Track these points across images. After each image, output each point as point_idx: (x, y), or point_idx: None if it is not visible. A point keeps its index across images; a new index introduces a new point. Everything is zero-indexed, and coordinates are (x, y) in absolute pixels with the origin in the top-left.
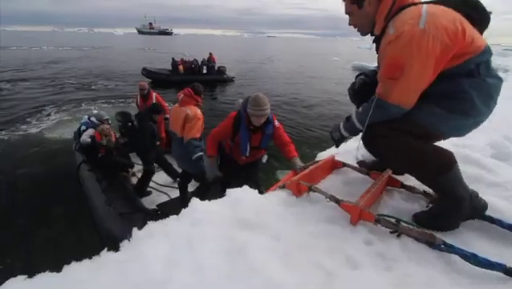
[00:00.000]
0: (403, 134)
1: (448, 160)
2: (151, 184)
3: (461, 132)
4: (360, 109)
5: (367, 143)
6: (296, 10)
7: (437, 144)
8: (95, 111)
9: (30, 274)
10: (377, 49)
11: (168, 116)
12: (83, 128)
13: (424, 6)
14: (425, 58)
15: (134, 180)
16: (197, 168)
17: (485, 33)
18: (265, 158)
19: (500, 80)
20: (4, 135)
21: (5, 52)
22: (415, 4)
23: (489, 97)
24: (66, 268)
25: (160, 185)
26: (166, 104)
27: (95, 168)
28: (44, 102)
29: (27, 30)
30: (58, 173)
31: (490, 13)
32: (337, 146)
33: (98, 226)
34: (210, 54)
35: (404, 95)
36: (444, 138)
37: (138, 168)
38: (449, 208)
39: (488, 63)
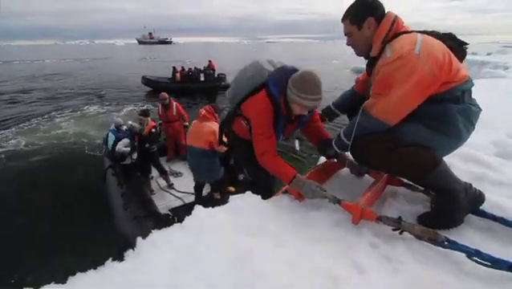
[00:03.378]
0: (388, 145)
1: (431, 158)
2: (168, 189)
3: (444, 152)
4: (347, 126)
5: (353, 153)
6: (294, 16)
7: None
8: (117, 119)
9: (36, 287)
10: (370, 70)
11: (187, 123)
12: (112, 136)
13: (418, 34)
14: (415, 82)
15: (154, 184)
16: (215, 175)
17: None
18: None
19: (480, 109)
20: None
21: (9, 66)
22: (408, 32)
23: (470, 123)
24: (70, 280)
25: (177, 190)
26: (184, 112)
27: (119, 173)
28: (48, 111)
29: (31, 44)
30: (86, 176)
31: (467, 46)
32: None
33: (115, 228)
34: (210, 61)
35: (385, 110)
36: None
37: (156, 173)
38: (447, 204)
39: (470, 92)
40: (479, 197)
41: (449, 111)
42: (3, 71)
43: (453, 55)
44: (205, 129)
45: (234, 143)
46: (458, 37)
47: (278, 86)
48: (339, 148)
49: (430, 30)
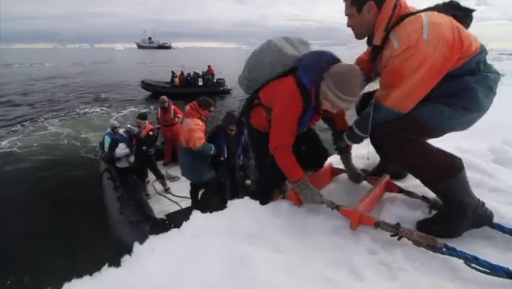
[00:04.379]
0: (408, 134)
1: (454, 165)
2: (164, 193)
3: (464, 127)
4: (359, 117)
5: (375, 145)
6: (293, 22)
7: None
8: (113, 122)
9: None
10: (374, 56)
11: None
12: (108, 139)
13: (423, 15)
14: (427, 70)
15: (150, 188)
16: (196, 177)
17: (479, 39)
18: None
19: (498, 74)
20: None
21: (8, 69)
22: (413, 13)
23: (490, 90)
24: (66, 286)
25: (174, 194)
26: (182, 114)
27: (115, 176)
28: (42, 113)
29: (31, 47)
30: (82, 179)
31: (473, 10)
32: (342, 152)
33: (111, 233)
34: (209, 66)
35: (400, 101)
36: (446, 133)
37: (153, 177)
38: (453, 215)
39: (485, 61)
40: (487, 218)
41: (467, 85)
42: (2, 74)
43: (462, 28)
44: (185, 127)
45: (253, 138)
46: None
47: (311, 75)
48: (350, 140)
49: (433, 5)
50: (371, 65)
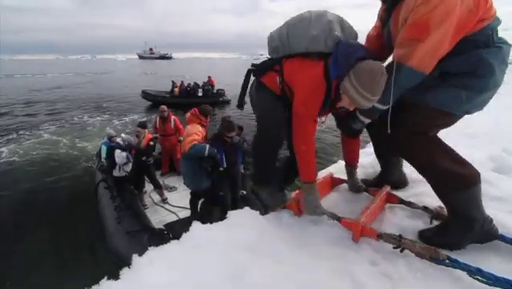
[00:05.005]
0: (423, 126)
1: (472, 177)
2: (162, 203)
3: (480, 107)
4: None
5: (392, 144)
6: None
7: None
8: (110, 131)
9: None
10: (387, 16)
11: (181, 138)
12: (104, 148)
13: None
14: (452, 22)
15: (147, 199)
16: (193, 183)
17: None
18: None
19: (510, 45)
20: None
21: (10, 80)
22: None
23: (505, 64)
24: None
25: (171, 205)
26: (182, 127)
27: (111, 186)
28: (41, 122)
29: (33, 58)
30: (78, 189)
31: None
32: (356, 136)
33: (107, 243)
34: (209, 77)
35: (425, 58)
36: (461, 118)
37: (150, 188)
38: (459, 227)
39: (497, 31)
40: (493, 235)
41: (483, 60)
42: (4, 85)
43: None
44: (185, 133)
45: (260, 93)
46: None
47: (338, 68)
48: (367, 115)
49: None
50: (381, 41)
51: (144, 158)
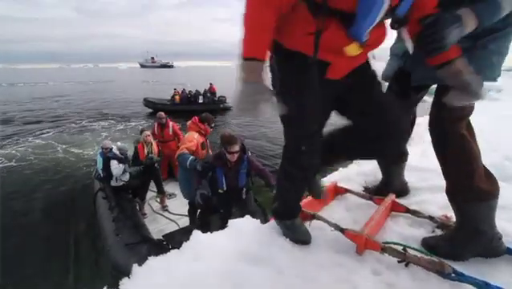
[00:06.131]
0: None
1: (492, 190)
2: (161, 211)
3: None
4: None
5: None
6: None
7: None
8: (105, 141)
9: None
10: None
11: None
12: (100, 159)
13: None
14: None
15: (146, 206)
16: (185, 192)
17: None
18: None
19: None
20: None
21: (13, 88)
22: None
23: None
24: None
25: (171, 212)
26: (180, 133)
27: (110, 196)
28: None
29: (36, 67)
30: (77, 196)
31: None
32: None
33: (106, 256)
34: (210, 84)
35: None
36: None
37: (151, 194)
38: (466, 238)
39: None
40: (499, 251)
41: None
42: (7, 93)
43: None
44: (182, 140)
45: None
46: None
47: None
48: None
49: None
50: None
51: (156, 163)
